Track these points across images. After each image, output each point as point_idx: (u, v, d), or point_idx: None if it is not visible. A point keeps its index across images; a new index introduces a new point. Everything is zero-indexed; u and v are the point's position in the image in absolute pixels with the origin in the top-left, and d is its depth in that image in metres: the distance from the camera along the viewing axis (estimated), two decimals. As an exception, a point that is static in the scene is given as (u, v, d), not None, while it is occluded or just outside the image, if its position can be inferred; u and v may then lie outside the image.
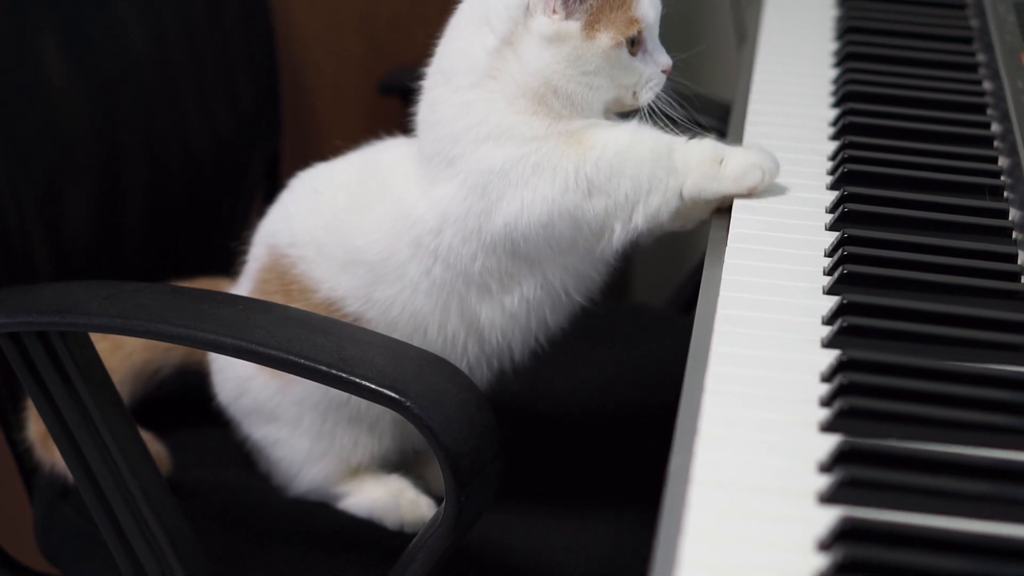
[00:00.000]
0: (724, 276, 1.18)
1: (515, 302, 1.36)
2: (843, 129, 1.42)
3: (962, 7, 1.72)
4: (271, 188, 2.03)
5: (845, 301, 1.11)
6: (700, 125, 1.70)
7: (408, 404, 1.21)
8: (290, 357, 1.25)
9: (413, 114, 2.05)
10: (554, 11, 1.29)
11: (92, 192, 1.70)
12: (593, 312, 1.43)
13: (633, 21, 1.30)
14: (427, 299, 1.37)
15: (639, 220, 1.31)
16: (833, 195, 1.30)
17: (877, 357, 1.05)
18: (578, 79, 1.30)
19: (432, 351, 1.37)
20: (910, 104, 1.47)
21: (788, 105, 1.49)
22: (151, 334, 1.33)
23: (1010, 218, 1.26)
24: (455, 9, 1.40)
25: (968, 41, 1.63)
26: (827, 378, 1.04)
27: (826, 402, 1.01)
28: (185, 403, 1.62)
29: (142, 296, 1.34)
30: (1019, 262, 1.19)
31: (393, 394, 1.22)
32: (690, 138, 1.33)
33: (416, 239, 1.36)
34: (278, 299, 1.42)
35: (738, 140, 1.43)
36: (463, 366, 1.39)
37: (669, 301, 1.94)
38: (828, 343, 1.08)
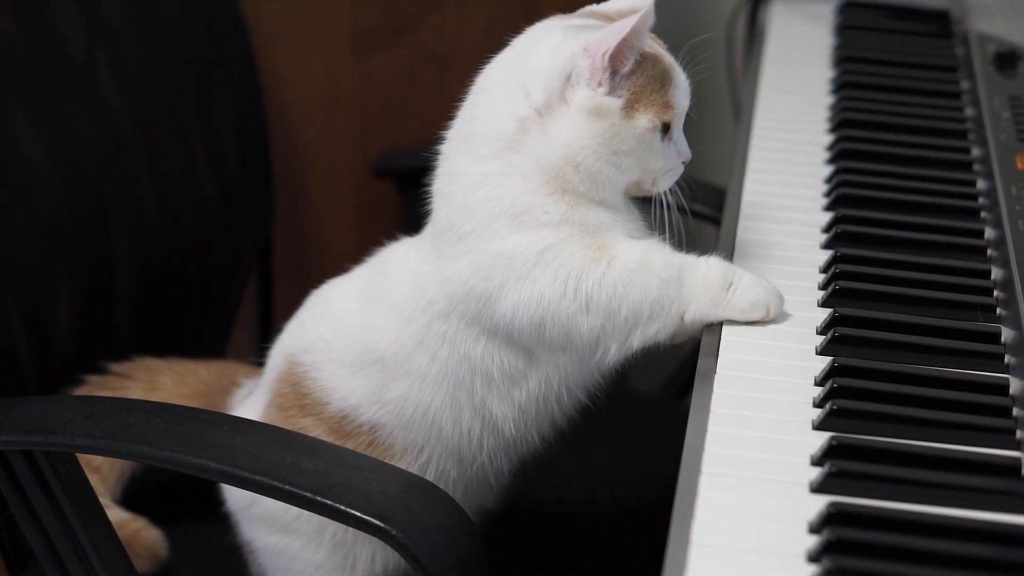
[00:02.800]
0: (713, 408, 1.16)
1: (523, 396, 1.34)
2: (835, 238, 1.41)
3: (957, 96, 1.71)
4: (264, 270, 2.02)
5: (834, 443, 1.10)
6: (694, 213, 1.70)
7: (394, 533, 1.20)
8: (274, 483, 1.24)
9: (407, 196, 2.04)
10: (599, 84, 1.25)
11: (79, 276, 1.68)
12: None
13: (669, 106, 1.27)
14: (436, 390, 1.34)
15: (635, 343, 1.28)
16: (824, 313, 1.28)
17: (866, 507, 1.04)
18: (607, 157, 1.27)
19: (450, 447, 1.36)
20: (905, 209, 1.45)
21: (781, 210, 1.48)
22: (135, 456, 1.32)
23: (1003, 339, 1.24)
24: (480, 71, 1.36)
25: (963, 135, 1.61)
26: (815, 529, 1.03)
27: (814, 558, 1.00)
28: (184, 492, 1.61)
29: (126, 415, 1.33)
30: (1011, 392, 1.18)
31: (378, 522, 1.20)
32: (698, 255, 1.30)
33: (425, 324, 1.34)
34: (294, 413, 1.40)
35: (731, 237, 1.43)
36: (483, 458, 1.37)
37: (664, 386, 1.93)
38: (817, 488, 1.07)
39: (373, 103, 2.08)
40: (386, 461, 1.36)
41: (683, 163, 1.31)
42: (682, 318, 1.28)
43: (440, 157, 1.36)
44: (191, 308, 1.86)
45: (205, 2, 1.88)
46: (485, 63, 2.02)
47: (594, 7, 1.37)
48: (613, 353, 1.29)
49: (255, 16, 2.00)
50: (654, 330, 1.28)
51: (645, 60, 1.27)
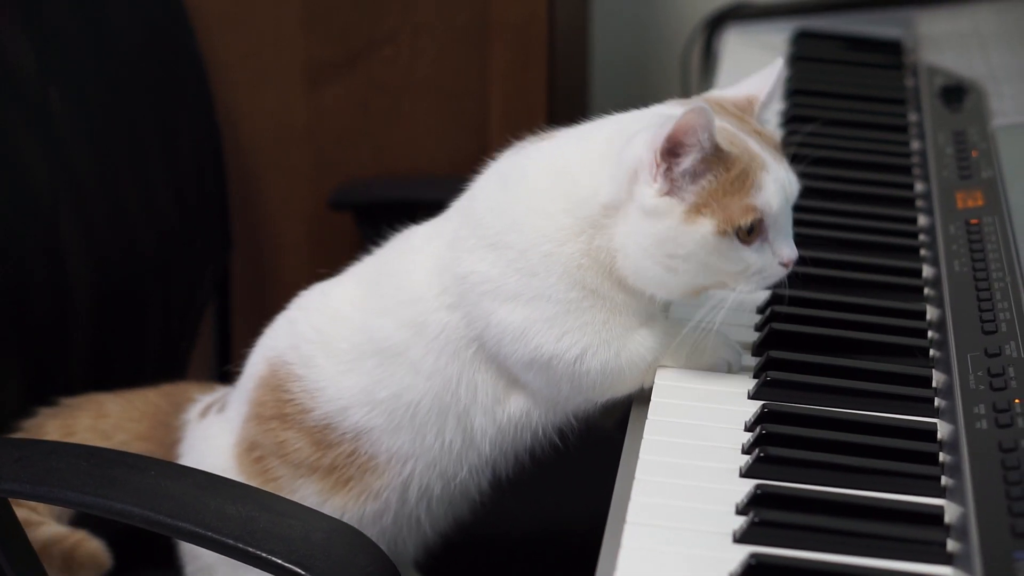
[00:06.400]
0: (641, 455, 1.15)
1: (504, 417, 1.32)
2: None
3: (904, 129, 1.70)
4: (222, 303, 2.01)
5: (759, 491, 1.09)
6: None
7: (313, 580, 1.18)
8: (197, 530, 1.22)
9: (366, 228, 2.01)
10: (655, 181, 1.20)
11: (38, 304, 1.67)
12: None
13: (750, 209, 1.19)
14: (427, 388, 1.32)
15: (601, 400, 1.30)
16: (755, 360, 1.28)
17: (787, 557, 1.03)
18: (661, 259, 1.22)
19: (432, 460, 1.34)
20: (845, 248, 1.44)
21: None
22: (60, 501, 1.31)
23: (934, 383, 1.23)
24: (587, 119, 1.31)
25: (907, 171, 1.60)
26: (734, 579, 1.02)
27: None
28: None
29: (54, 459, 1.31)
30: (938, 437, 1.16)
31: (299, 570, 1.18)
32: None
33: (432, 310, 1.31)
34: (275, 425, 1.38)
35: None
36: (464, 473, 1.35)
37: (619, 422, 1.91)
38: (740, 538, 1.06)
39: (326, 135, 2.07)
40: (369, 474, 1.35)
41: (783, 264, 1.23)
42: (643, 386, 1.29)
43: (520, 153, 1.31)
44: (148, 341, 1.85)
45: (162, 34, 1.88)
46: (437, 94, 2.04)
47: (711, 93, 1.33)
48: (579, 404, 1.31)
49: (210, 48, 1.99)
50: (622, 392, 1.30)
51: (719, 160, 1.20)
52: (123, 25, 1.82)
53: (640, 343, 1.27)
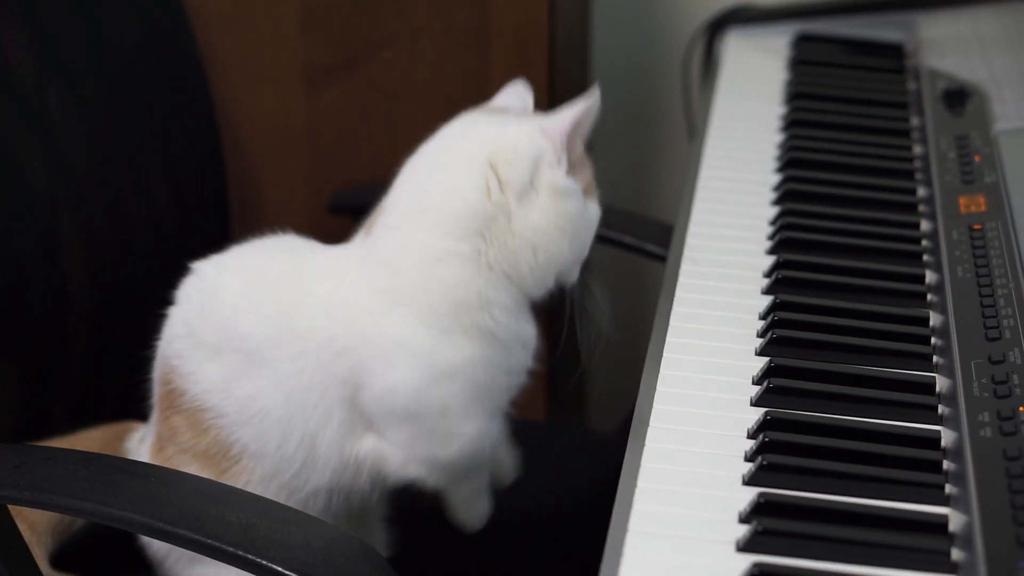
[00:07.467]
0: (643, 463, 1.15)
1: (351, 454, 1.35)
2: (776, 283, 1.39)
3: (906, 134, 1.69)
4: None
5: (762, 499, 1.08)
6: (644, 252, 1.68)
7: (316, 588, 1.18)
8: (197, 537, 1.21)
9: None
10: (559, 162, 1.27)
11: (36, 306, 1.67)
12: (539, 431, 1.42)
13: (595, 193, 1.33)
14: (283, 400, 1.33)
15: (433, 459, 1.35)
16: (762, 362, 1.27)
17: (791, 567, 1.03)
18: (571, 238, 1.29)
19: (269, 467, 1.35)
20: (848, 253, 1.44)
21: (724, 253, 1.46)
22: (59, 508, 1.30)
23: (937, 389, 1.23)
24: (427, 140, 1.37)
25: (909, 175, 1.60)
26: (737, 591, 1.01)
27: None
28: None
29: (53, 466, 1.30)
30: (942, 445, 1.16)
31: (299, 577, 1.18)
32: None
33: (316, 348, 1.32)
34: (169, 414, 1.39)
35: (673, 280, 1.41)
36: (307, 491, 1.36)
37: (620, 427, 1.91)
38: (743, 547, 1.05)
39: (325, 138, 2.07)
40: (235, 465, 1.36)
41: None
42: None
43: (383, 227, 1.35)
44: (148, 343, 1.84)
45: (161, 35, 1.87)
46: (436, 98, 2.03)
47: (490, 105, 1.39)
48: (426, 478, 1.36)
49: (209, 49, 1.99)
50: (443, 447, 1.34)
51: (587, 151, 1.31)
52: (122, 26, 1.81)
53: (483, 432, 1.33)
